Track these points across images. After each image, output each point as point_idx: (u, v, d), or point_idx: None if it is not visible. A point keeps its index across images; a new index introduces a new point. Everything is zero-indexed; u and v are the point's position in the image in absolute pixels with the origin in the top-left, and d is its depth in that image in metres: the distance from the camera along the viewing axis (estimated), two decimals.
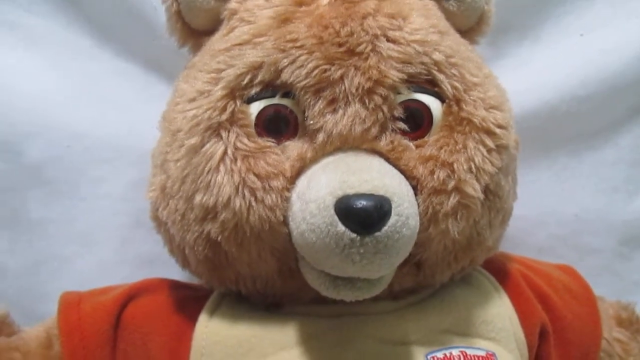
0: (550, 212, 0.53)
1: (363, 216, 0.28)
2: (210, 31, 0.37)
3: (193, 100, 0.33)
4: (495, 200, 0.35)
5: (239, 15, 0.35)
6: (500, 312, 0.38)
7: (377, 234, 0.28)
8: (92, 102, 0.49)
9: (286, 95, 0.32)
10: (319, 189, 0.29)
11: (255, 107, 0.32)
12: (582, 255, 0.54)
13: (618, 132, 0.52)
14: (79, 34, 0.48)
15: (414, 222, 0.30)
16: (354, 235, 0.28)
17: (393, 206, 0.28)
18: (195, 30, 0.37)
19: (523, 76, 0.51)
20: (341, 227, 0.28)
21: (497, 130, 0.34)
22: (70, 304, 0.38)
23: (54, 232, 0.48)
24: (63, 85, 0.48)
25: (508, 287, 0.40)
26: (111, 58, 0.49)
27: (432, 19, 0.35)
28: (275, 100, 0.32)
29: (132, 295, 0.38)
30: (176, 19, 0.37)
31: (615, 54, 0.49)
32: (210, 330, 0.35)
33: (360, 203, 0.28)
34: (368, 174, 0.29)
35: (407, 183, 0.31)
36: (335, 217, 0.28)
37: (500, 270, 0.42)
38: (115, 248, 0.49)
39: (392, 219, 0.28)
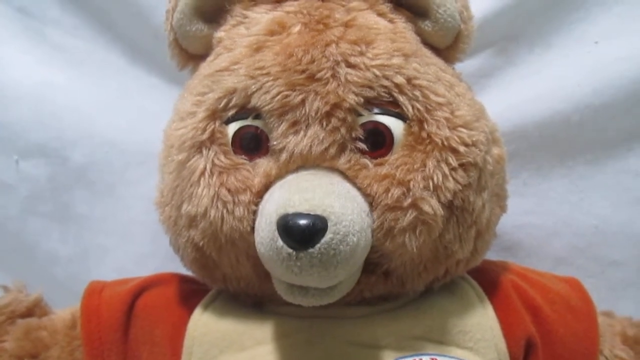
0: (567, 222, 0.53)
1: (297, 234, 0.30)
2: (206, 55, 0.40)
3: (183, 119, 0.37)
4: (464, 215, 0.36)
5: (223, 44, 0.38)
6: (480, 322, 0.39)
7: (310, 250, 0.30)
8: (127, 112, 0.55)
9: (258, 117, 0.35)
10: (270, 205, 0.32)
11: (232, 128, 0.35)
12: (603, 267, 0.53)
13: None
14: (115, 54, 0.54)
15: (355, 237, 0.31)
16: (290, 250, 0.30)
17: (329, 224, 0.30)
18: (193, 55, 0.41)
19: (534, 85, 0.51)
20: (280, 243, 0.31)
21: (462, 149, 0.35)
22: (94, 292, 0.43)
23: (97, 226, 0.55)
24: (102, 99, 0.54)
25: (495, 297, 0.41)
26: (143, 75, 0.55)
27: (399, 42, 0.36)
28: (248, 122, 0.35)
29: (145, 287, 0.43)
30: (174, 45, 0.41)
31: (632, 61, 0.47)
32: (202, 323, 0.39)
33: (295, 222, 0.30)
34: (311, 194, 0.32)
35: (361, 200, 0.33)
36: (276, 233, 0.31)
37: (490, 281, 0.42)
38: (149, 242, 0.55)
39: (327, 237, 0.30)
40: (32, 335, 0.41)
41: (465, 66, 0.43)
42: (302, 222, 0.30)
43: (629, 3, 0.48)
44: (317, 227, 0.30)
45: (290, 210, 0.31)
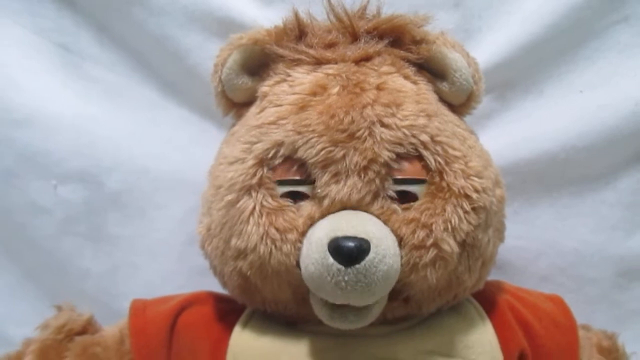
0: (551, 244, 0.59)
1: (346, 253, 0.36)
2: (248, 103, 0.45)
3: (232, 164, 0.42)
4: (473, 250, 0.42)
5: (268, 98, 0.43)
6: (481, 338, 0.45)
7: (357, 266, 0.36)
8: (159, 143, 0.58)
9: (302, 166, 0.40)
10: (320, 231, 0.38)
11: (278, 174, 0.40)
12: (580, 284, 0.59)
13: (617, 177, 0.57)
14: (149, 88, 0.58)
15: (391, 260, 0.37)
16: (340, 266, 0.36)
17: (372, 246, 0.36)
18: (236, 103, 0.46)
19: (527, 127, 0.57)
20: (331, 260, 0.36)
21: (474, 195, 0.40)
22: (138, 311, 0.48)
23: (127, 245, 0.59)
24: (136, 130, 0.58)
25: (493, 315, 0.47)
26: (174, 108, 0.59)
27: (423, 103, 0.41)
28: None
29: (184, 306, 0.47)
30: (221, 96, 0.45)
31: (612, 109, 0.54)
32: (242, 340, 0.44)
33: (345, 243, 0.36)
34: (355, 221, 0.38)
35: (392, 235, 0.39)
36: (328, 253, 0.36)
37: (489, 300, 0.48)
38: (175, 260, 0.59)
39: (370, 255, 0.36)
40: (89, 351, 0.45)
41: None
42: (351, 243, 0.36)
43: (611, 59, 0.55)
44: (363, 247, 0.36)
45: (340, 234, 0.37)
